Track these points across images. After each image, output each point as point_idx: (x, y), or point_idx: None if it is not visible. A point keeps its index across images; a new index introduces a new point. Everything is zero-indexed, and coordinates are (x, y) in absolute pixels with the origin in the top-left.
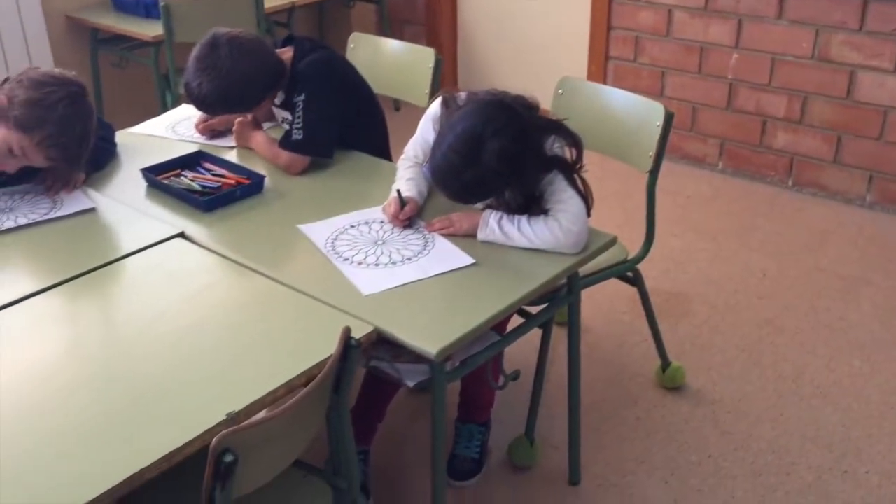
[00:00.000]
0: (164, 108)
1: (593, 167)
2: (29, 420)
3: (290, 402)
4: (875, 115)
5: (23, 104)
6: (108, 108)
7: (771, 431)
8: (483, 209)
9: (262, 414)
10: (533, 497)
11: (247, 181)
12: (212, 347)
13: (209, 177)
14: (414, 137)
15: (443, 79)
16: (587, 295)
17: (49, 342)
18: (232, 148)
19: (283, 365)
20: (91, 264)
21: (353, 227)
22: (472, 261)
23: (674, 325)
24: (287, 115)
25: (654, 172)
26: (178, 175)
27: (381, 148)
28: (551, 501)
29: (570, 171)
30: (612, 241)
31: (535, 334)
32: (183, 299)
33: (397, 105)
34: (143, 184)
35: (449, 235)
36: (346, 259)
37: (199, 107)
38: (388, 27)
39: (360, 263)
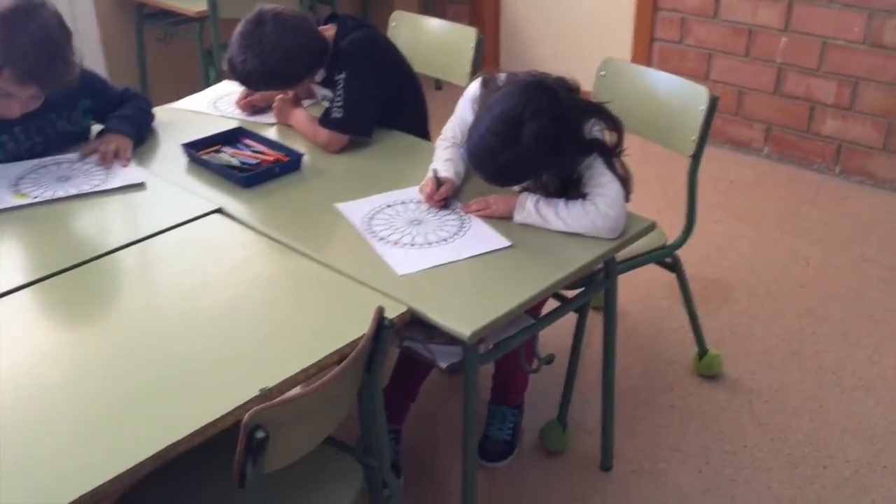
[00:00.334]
0: (207, 84)
1: (634, 151)
2: (64, 390)
3: (322, 381)
4: None
5: None
6: (152, 82)
7: (809, 423)
8: (520, 192)
9: (294, 391)
10: (564, 481)
11: (285, 158)
12: (246, 323)
13: (248, 153)
14: (452, 118)
15: (485, 59)
16: (624, 279)
17: (85, 315)
18: (272, 125)
19: (316, 343)
20: (131, 238)
21: (389, 206)
22: (508, 243)
23: (712, 312)
24: (327, 92)
25: (696, 157)
26: (218, 151)
27: (421, 127)
28: (583, 486)
29: (610, 154)
30: (651, 227)
31: (571, 318)
32: (219, 275)
33: (439, 84)
34: (183, 159)
35: (485, 217)
36: (382, 238)
37: (242, 82)
38: (431, 5)
39: (395, 243)
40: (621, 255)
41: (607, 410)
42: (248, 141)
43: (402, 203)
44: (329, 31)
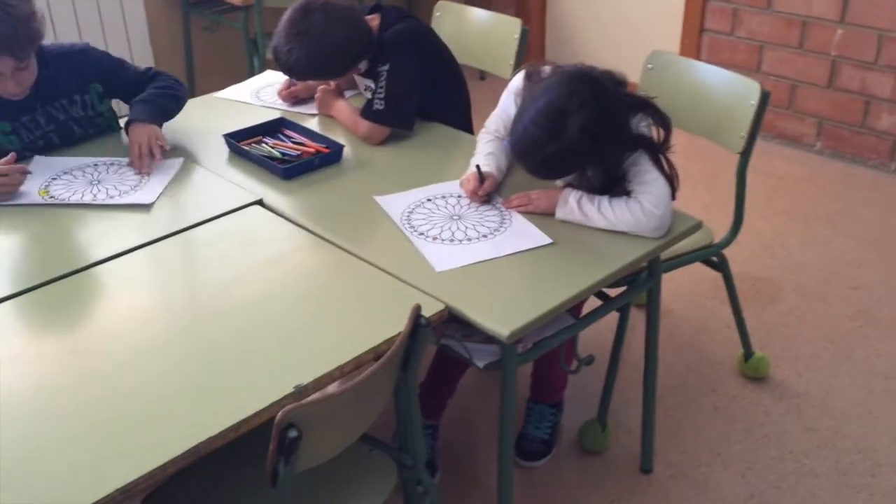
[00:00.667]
0: (252, 73)
1: (680, 146)
2: (98, 383)
3: (356, 379)
4: None
5: None
6: (198, 71)
7: (858, 430)
8: (563, 187)
9: (331, 388)
10: (602, 483)
11: (326, 150)
12: (282, 318)
13: (289, 144)
14: (495, 111)
15: (529, 50)
16: (667, 276)
17: (121, 307)
18: (313, 115)
19: (352, 339)
20: (171, 229)
21: (429, 200)
22: (549, 240)
23: (759, 312)
24: (369, 83)
25: (745, 154)
26: (259, 142)
27: (463, 120)
28: (621, 488)
29: (656, 151)
30: (697, 226)
31: (612, 314)
32: (257, 267)
33: (482, 74)
34: (225, 149)
35: (526, 213)
36: (422, 234)
37: (286, 72)
38: None
39: (434, 238)
40: (666, 252)
41: (648, 413)
42: (289, 132)
43: (442, 197)
44: (373, 21)
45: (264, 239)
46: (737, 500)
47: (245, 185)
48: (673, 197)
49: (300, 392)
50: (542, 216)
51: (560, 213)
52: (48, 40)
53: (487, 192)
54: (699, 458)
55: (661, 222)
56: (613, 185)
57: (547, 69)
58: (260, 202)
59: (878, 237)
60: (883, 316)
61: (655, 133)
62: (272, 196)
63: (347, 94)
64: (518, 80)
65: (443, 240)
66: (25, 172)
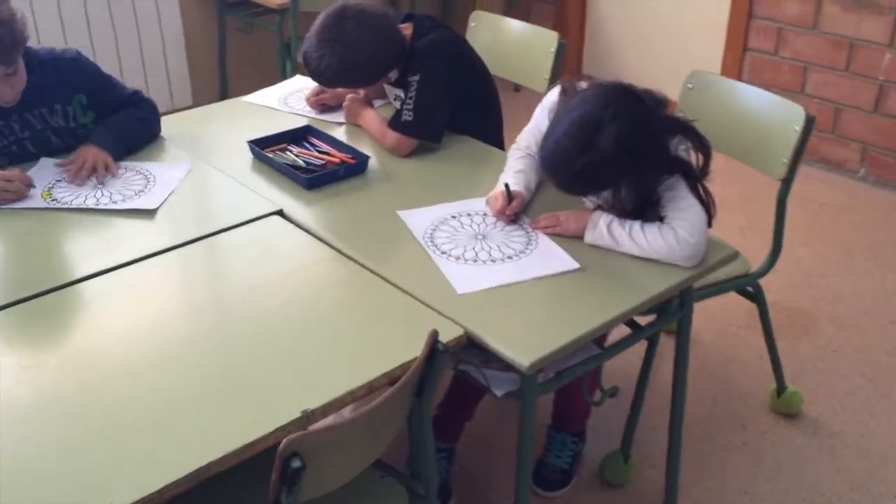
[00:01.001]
0: (284, 76)
1: (717, 168)
2: (98, 396)
3: (367, 406)
4: None
5: None
6: (231, 72)
7: (894, 473)
8: (593, 210)
9: (344, 413)
10: None
11: (351, 160)
12: (294, 336)
13: (315, 154)
14: (527, 127)
15: (566, 65)
16: (700, 304)
17: (132, 316)
18: (340, 124)
19: (365, 363)
20: (186, 238)
21: (453, 217)
22: (576, 265)
23: (794, 344)
24: (399, 92)
25: (787, 182)
26: (284, 149)
27: (494, 135)
28: None
29: (695, 177)
30: (733, 256)
31: (639, 342)
32: (272, 281)
33: (517, 86)
34: (248, 155)
35: (554, 235)
36: (444, 253)
37: (315, 78)
38: (515, 5)
39: (457, 258)
40: (699, 281)
41: (674, 446)
42: (315, 140)
43: (468, 215)
44: (406, 29)
45: (282, 251)
46: None
47: (267, 193)
48: (709, 225)
49: (308, 417)
50: (570, 239)
51: (589, 237)
52: (83, 42)
53: (515, 211)
54: (726, 496)
55: (696, 251)
56: (646, 209)
57: (583, 85)
58: (280, 213)
59: None
60: None
61: (694, 158)
62: (294, 206)
63: (376, 103)
64: (553, 95)
65: (465, 260)
66: (30, 185)
